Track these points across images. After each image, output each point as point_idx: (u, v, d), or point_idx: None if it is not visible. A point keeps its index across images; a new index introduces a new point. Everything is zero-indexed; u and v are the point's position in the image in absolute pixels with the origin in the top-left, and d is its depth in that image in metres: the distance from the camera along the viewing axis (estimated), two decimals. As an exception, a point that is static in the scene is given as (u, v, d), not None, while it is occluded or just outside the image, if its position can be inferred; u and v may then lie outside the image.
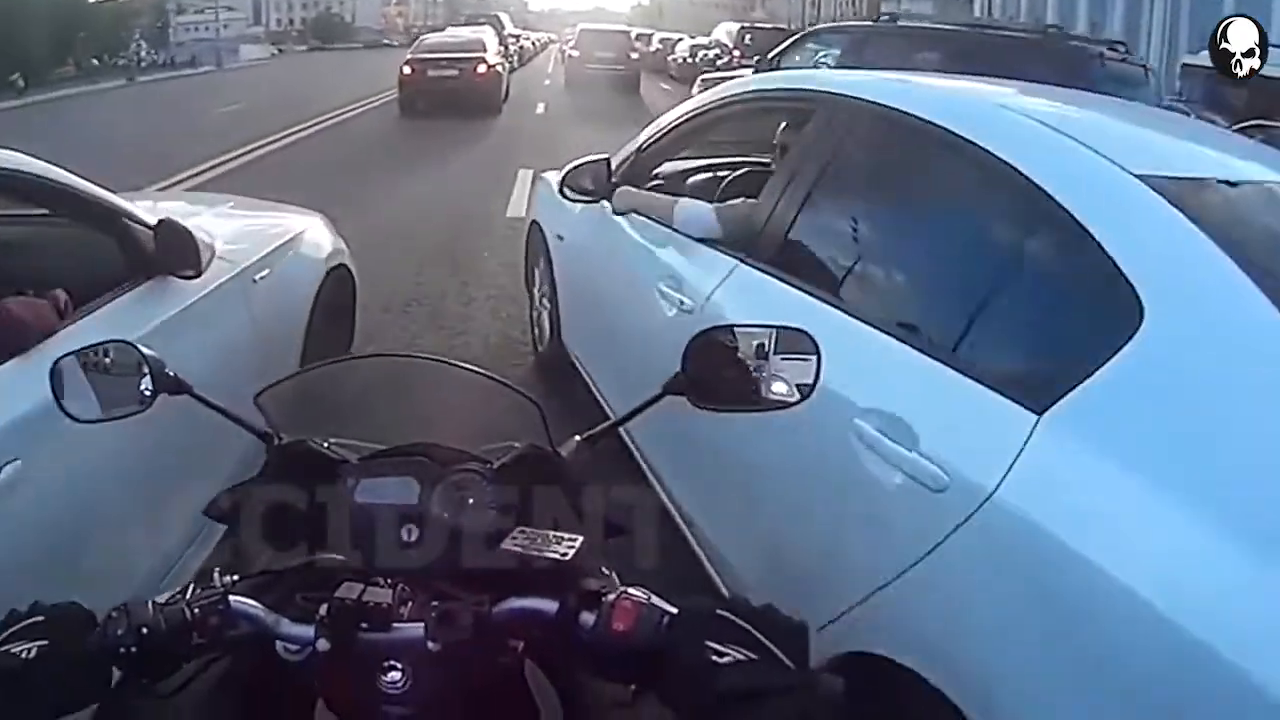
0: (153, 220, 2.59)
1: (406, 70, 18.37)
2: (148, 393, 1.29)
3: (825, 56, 9.20)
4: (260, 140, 13.43)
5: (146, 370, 1.29)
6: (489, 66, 18.71)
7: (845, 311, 2.11)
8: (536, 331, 4.76)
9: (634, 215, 3.35)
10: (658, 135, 3.59)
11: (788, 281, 2.34)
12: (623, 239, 3.35)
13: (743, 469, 2.29)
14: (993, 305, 1.87)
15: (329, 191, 8.65)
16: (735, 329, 1.32)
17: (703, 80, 13.16)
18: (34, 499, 1.89)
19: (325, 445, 1.25)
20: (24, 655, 0.92)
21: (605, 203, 3.55)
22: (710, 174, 3.96)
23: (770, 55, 11.14)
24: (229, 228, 3.36)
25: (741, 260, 2.54)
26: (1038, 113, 2.12)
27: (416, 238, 7.52)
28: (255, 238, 3.37)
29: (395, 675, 1.00)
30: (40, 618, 0.96)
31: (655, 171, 3.77)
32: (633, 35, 27.39)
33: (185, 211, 3.68)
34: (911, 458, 1.72)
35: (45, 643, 0.93)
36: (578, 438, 1.29)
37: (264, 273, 3.16)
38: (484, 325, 5.51)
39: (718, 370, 1.29)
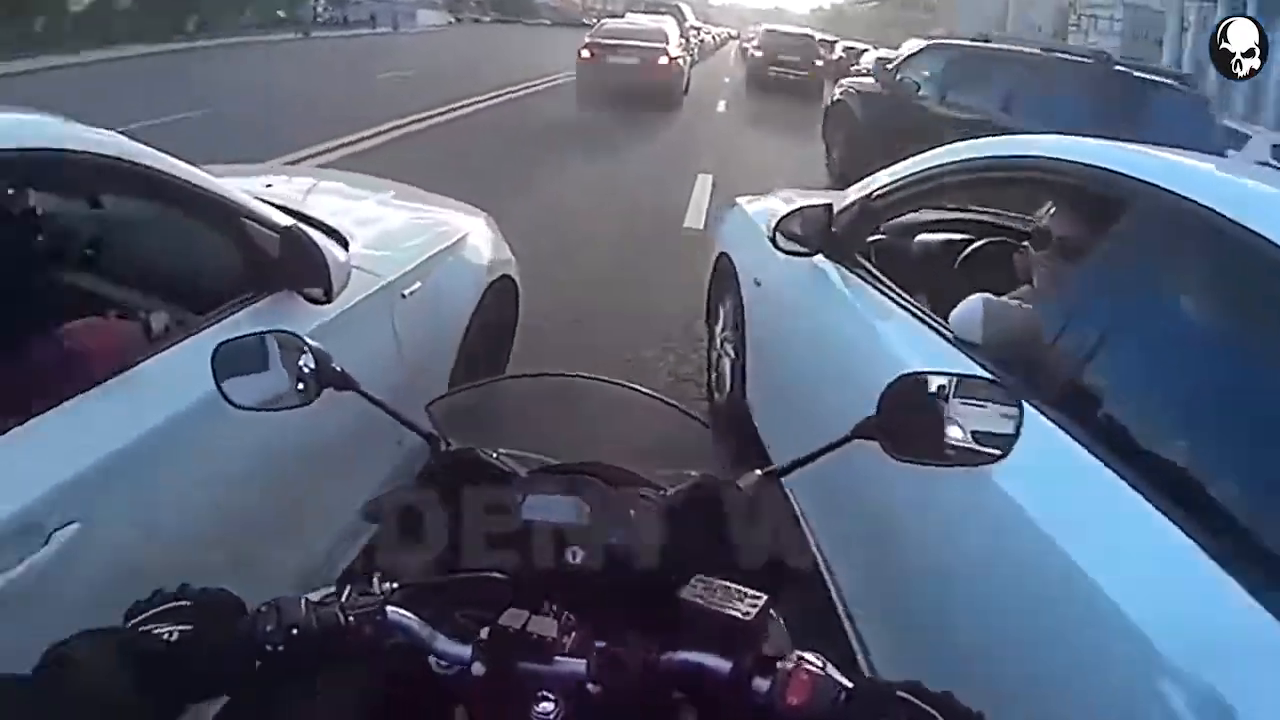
0: (282, 222, 2.28)
1: (585, 54, 17.93)
2: (312, 386, 1.29)
3: (926, 71, 10.50)
4: (430, 110, 13.28)
5: (312, 363, 1.29)
6: (671, 59, 18.18)
7: (1188, 532, 1.48)
8: (714, 375, 4.29)
9: (862, 283, 2.83)
10: (894, 184, 2.96)
11: (1090, 449, 1.71)
12: (844, 311, 2.81)
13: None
14: None
15: (496, 171, 8.54)
16: (934, 376, 1.23)
17: (840, 84, 12.95)
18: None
19: (494, 455, 1.23)
20: (166, 637, 0.91)
21: (821, 257, 3.04)
22: (944, 236, 3.38)
23: (890, 65, 11.18)
24: (381, 227, 3.09)
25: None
26: None
27: (585, 238, 7.18)
28: (409, 242, 3.06)
29: (548, 706, 0.96)
30: (188, 601, 0.96)
31: (882, 226, 3.21)
32: (816, 40, 26.64)
33: (345, 194, 3.50)
34: None
35: (189, 627, 0.92)
36: (759, 472, 1.23)
37: (414, 286, 2.85)
38: (653, 357, 5.05)
39: (913, 418, 1.21)
